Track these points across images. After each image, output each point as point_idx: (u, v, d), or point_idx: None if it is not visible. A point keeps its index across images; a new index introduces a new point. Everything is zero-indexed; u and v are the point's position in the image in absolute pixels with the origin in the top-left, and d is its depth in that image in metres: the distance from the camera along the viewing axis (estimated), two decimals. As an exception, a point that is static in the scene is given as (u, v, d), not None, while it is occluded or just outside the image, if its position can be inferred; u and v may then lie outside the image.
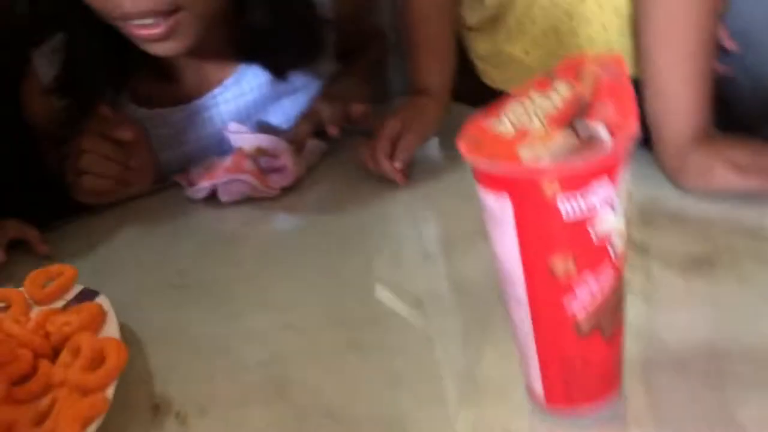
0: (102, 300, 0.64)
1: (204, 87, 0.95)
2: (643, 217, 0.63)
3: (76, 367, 0.53)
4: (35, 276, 0.68)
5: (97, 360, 0.53)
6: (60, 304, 0.65)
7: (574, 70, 0.39)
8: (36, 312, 0.63)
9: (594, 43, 0.80)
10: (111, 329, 0.59)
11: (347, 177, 0.87)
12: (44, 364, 0.57)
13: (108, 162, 0.84)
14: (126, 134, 0.84)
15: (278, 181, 0.87)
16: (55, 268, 0.69)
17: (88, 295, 0.66)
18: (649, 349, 0.48)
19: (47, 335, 0.59)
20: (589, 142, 0.35)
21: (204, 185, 0.88)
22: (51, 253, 0.82)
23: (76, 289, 0.67)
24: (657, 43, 0.64)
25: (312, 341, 0.57)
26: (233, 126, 0.92)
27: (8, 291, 0.66)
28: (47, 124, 0.88)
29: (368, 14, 1.07)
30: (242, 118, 0.96)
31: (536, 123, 0.36)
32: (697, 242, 0.58)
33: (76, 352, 0.56)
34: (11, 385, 0.54)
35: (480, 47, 0.95)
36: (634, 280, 0.52)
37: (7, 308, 0.64)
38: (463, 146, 0.38)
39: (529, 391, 0.45)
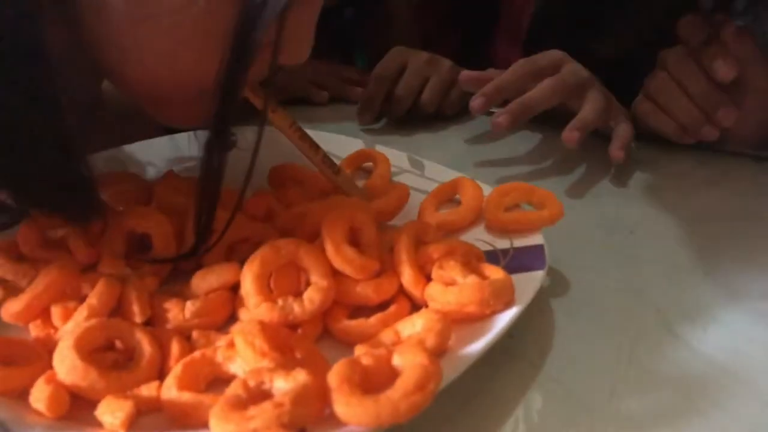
0: (532, 281, 0.39)
1: None
2: None
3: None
4: (507, 189, 0.46)
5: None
6: (486, 246, 0.43)
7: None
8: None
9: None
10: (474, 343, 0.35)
11: None
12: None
13: None
14: None
15: None
16: (539, 191, 0.46)
17: (533, 259, 0.42)
18: None
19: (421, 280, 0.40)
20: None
21: None
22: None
23: (533, 239, 0.44)
24: None
25: None
26: None
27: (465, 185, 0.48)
28: None
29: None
30: None
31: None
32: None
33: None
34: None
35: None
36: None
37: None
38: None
39: None
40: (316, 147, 0.49)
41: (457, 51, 0.83)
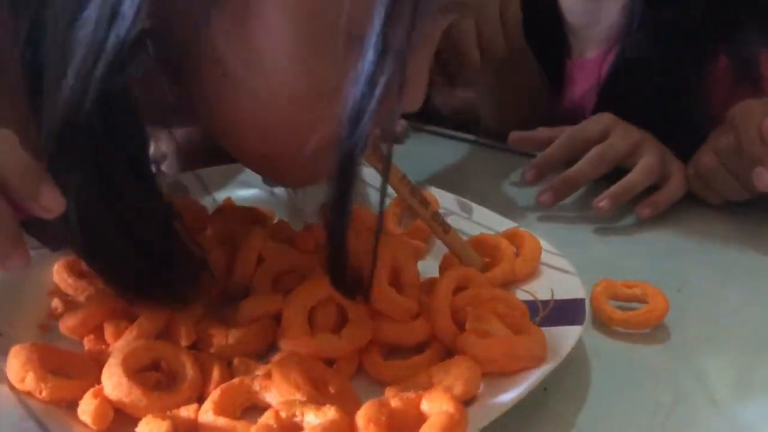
0: (570, 335, 0.39)
1: None
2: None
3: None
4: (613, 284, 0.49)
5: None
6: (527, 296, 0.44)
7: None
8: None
9: None
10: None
11: None
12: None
13: None
14: None
15: None
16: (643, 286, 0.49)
17: (573, 312, 0.42)
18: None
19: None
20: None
21: None
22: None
23: (575, 292, 0.44)
24: None
25: None
26: None
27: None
28: None
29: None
30: None
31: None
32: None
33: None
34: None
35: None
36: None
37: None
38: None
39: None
40: (426, 203, 0.48)
41: None
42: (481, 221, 0.54)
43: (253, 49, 0.36)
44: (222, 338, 0.40)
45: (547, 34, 0.85)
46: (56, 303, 0.44)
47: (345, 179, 0.34)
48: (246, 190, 0.58)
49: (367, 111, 0.32)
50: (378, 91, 0.32)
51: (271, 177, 0.48)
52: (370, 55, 0.32)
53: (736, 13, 0.72)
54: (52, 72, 0.34)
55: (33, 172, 0.32)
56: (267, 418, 0.33)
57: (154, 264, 0.40)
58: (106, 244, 0.38)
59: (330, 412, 0.33)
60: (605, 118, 0.66)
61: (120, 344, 0.39)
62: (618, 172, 0.65)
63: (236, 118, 0.40)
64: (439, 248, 0.52)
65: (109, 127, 0.35)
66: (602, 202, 0.62)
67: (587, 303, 0.43)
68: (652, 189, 0.65)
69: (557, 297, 0.45)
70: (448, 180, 0.71)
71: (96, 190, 0.36)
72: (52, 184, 0.32)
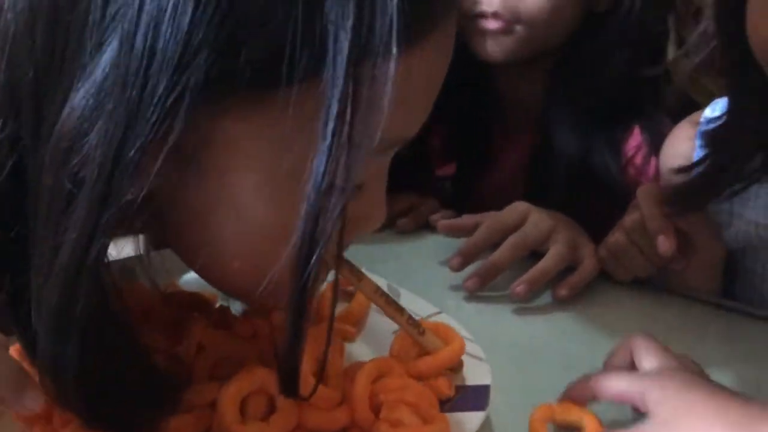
0: (473, 421, 0.45)
1: None
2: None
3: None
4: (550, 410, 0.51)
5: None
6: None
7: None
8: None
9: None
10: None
11: None
12: None
13: None
14: None
15: None
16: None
17: (478, 398, 0.47)
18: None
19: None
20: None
21: None
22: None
23: (482, 378, 0.49)
24: None
25: None
26: None
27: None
28: None
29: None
30: None
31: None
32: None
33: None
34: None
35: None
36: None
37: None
38: None
39: None
40: (401, 310, 0.52)
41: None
42: (407, 305, 0.59)
43: (225, 200, 0.40)
44: (162, 424, 0.45)
45: (480, 109, 0.92)
46: (8, 389, 0.47)
47: (301, 303, 0.38)
48: (190, 273, 0.62)
49: (316, 245, 0.35)
50: (327, 227, 0.35)
51: (243, 300, 0.52)
52: (313, 197, 0.35)
53: (643, 95, 0.82)
54: (41, 251, 0.36)
55: (18, 379, 0.34)
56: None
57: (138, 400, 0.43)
58: (96, 392, 0.40)
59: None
60: (520, 207, 0.73)
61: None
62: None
63: (209, 255, 0.42)
64: (368, 331, 0.57)
65: (99, 301, 0.37)
66: (519, 287, 0.68)
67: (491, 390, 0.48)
68: (568, 269, 0.72)
69: (467, 383, 0.50)
70: (381, 261, 0.76)
71: (85, 356, 0.37)
72: (35, 388, 0.34)
